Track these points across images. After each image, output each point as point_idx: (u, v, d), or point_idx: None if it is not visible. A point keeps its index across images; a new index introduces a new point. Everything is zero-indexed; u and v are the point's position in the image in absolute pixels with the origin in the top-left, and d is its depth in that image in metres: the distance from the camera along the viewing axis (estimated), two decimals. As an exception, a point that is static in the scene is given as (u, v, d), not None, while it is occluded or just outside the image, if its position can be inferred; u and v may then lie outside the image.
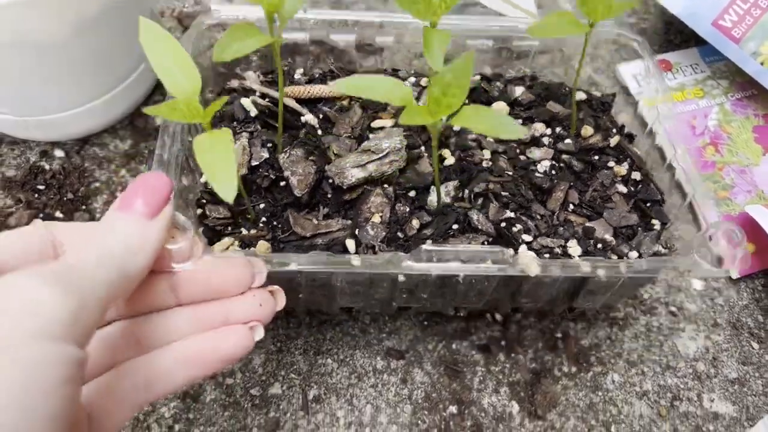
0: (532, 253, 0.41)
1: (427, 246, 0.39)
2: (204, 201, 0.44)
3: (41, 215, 0.54)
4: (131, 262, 0.30)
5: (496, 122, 0.35)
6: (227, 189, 0.32)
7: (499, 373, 0.49)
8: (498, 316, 0.52)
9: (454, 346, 0.50)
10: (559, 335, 0.51)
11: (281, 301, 0.38)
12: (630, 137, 0.52)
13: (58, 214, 0.54)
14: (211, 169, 0.33)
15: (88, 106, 0.53)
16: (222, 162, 0.33)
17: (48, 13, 0.45)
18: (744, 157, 0.58)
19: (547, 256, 0.42)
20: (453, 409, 0.47)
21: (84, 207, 0.55)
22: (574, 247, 0.43)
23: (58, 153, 0.57)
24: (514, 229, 0.44)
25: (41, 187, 0.55)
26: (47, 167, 0.57)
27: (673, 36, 0.60)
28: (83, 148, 0.58)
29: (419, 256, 0.38)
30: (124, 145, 0.58)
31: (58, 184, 0.56)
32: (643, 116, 0.52)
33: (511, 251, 0.39)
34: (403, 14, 0.45)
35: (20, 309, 0.25)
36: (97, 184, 0.56)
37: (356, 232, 0.43)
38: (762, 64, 0.57)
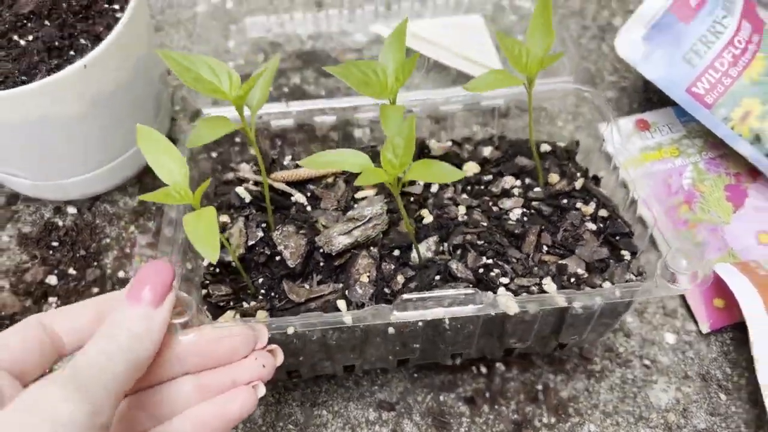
0: (509, 293, 0.45)
1: (407, 295, 0.43)
2: (207, 282, 0.48)
3: (56, 271, 0.57)
4: (139, 352, 0.34)
5: (438, 170, 0.41)
6: (210, 252, 0.37)
7: (483, 424, 0.53)
8: (483, 369, 0.56)
9: (441, 398, 0.54)
10: (539, 387, 0.55)
11: (280, 357, 0.42)
12: (596, 179, 0.56)
13: (71, 270, 0.58)
14: (197, 238, 0.38)
15: (99, 170, 0.57)
16: (206, 231, 0.38)
17: (69, 94, 0.49)
18: (716, 216, 0.62)
19: (524, 294, 0.46)
20: (440, 459, 0.51)
21: (96, 263, 0.58)
22: (549, 284, 0.46)
23: (71, 210, 0.61)
24: (492, 274, 0.47)
25: (55, 244, 0.59)
26: (60, 224, 0.60)
27: (652, 95, 0.64)
28: (94, 205, 0.62)
29: (403, 306, 0.42)
30: (133, 202, 0.62)
31: (71, 240, 0.59)
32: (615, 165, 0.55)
33: (489, 293, 0.43)
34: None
35: (43, 423, 0.28)
36: (108, 240, 0.60)
37: (346, 292, 0.47)
38: (732, 128, 0.60)
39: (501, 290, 0.46)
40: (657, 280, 0.44)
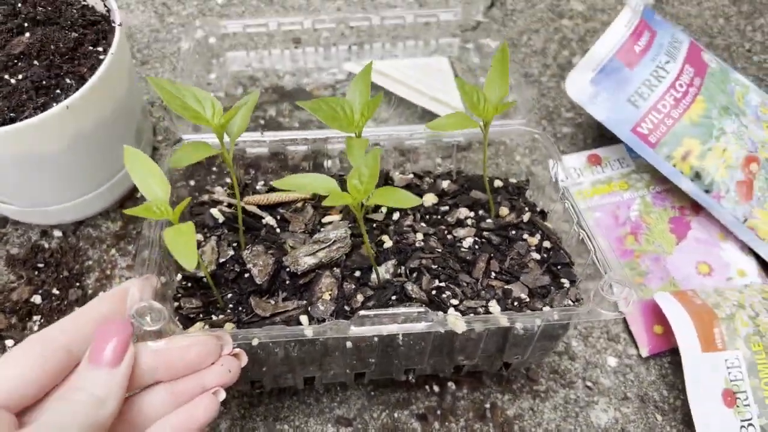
0: (458, 313, 0.49)
1: (364, 311, 0.47)
2: (180, 295, 0.52)
3: (40, 291, 0.62)
4: (101, 414, 0.37)
5: (398, 197, 0.47)
6: (189, 261, 0.41)
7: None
8: (436, 387, 0.60)
9: (396, 414, 0.58)
10: (487, 406, 0.59)
11: (244, 359, 0.46)
12: (543, 213, 0.60)
13: (55, 290, 0.62)
14: (176, 248, 0.42)
15: (82, 199, 0.61)
16: (185, 243, 0.42)
17: (53, 132, 0.53)
18: (659, 246, 0.66)
19: (471, 315, 0.50)
20: (393, 473, 0.55)
21: (78, 284, 0.63)
22: (494, 307, 0.51)
23: (57, 233, 0.65)
24: (444, 295, 0.52)
25: (41, 265, 0.63)
26: (46, 246, 0.64)
27: (605, 131, 0.68)
28: (78, 229, 0.66)
29: (360, 322, 0.47)
30: (115, 226, 0.66)
31: (55, 262, 0.63)
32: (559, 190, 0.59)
33: (440, 312, 0.48)
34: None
35: None
36: (90, 263, 0.64)
37: (309, 308, 0.51)
38: (674, 166, 0.65)
39: (450, 310, 0.50)
40: (591, 306, 0.48)
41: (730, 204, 0.64)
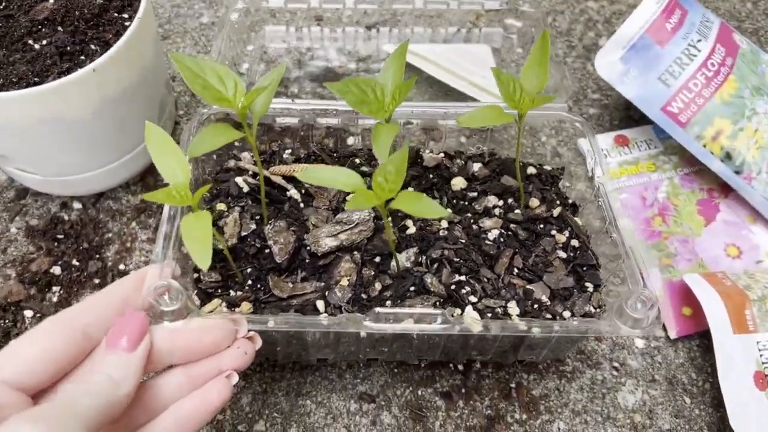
0: (475, 313, 0.48)
1: (380, 309, 0.46)
2: (198, 271, 0.51)
3: (60, 262, 0.61)
4: (116, 395, 0.37)
5: (423, 205, 0.43)
6: (203, 260, 0.41)
7: (458, 418, 0.56)
8: (460, 366, 0.59)
9: (419, 392, 0.57)
10: (513, 385, 0.58)
11: (258, 342, 0.46)
12: (574, 207, 0.59)
13: (74, 261, 0.61)
14: (192, 244, 0.41)
15: (105, 168, 0.61)
16: (201, 238, 0.42)
17: (78, 96, 0.52)
18: (687, 228, 0.65)
19: (489, 315, 0.49)
20: (415, 449, 0.54)
21: (98, 256, 0.62)
22: (513, 308, 0.50)
23: (77, 205, 0.64)
24: (463, 291, 0.50)
25: (60, 236, 0.62)
26: (66, 218, 0.64)
27: (633, 112, 0.67)
28: (99, 201, 0.65)
29: (376, 317, 0.46)
30: (135, 199, 0.65)
31: (75, 234, 0.63)
32: (594, 187, 0.58)
33: (457, 310, 0.47)
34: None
35: None
36: (110, 235, 0.63)
37: (326, 293, 0.50)
38: (704, 146, 0.64)
39: (468, 308, 0.49)
40: (611, 319, 0.47)
41: (761, 185, 0.63)
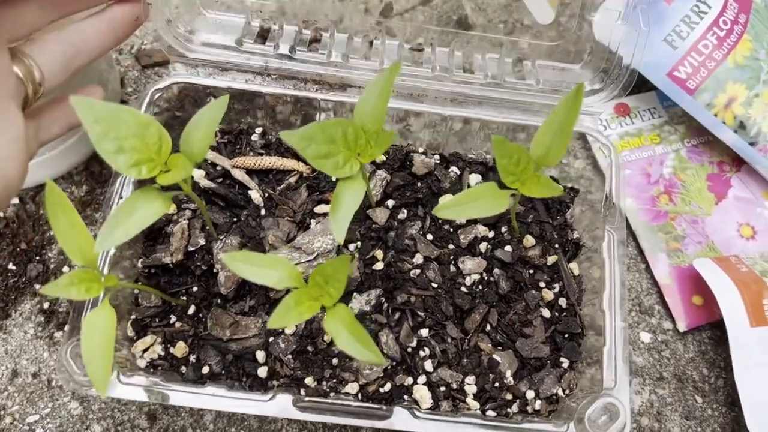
0: (425, 389, 0.43)
1: (310, 400, 0.41)
2: (138, 291, 0.46)
3: (-6, 267, 0.54)
4: None
5: (355, 347, 0.35)
6: (100, 385, 0.37)
7: None
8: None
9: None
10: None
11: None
12: (576, 246, 0.51)
13: (11, 265, 0.54)
14: (90, 362, 0.37)
15: (43, 157, 0.53)
16: (101, 355, 0.37)
17: None
18: (697, 207, 0.59)
19: (442, 390, 0.44)
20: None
21: (38, 258, 0.55)
22: (470, 384, 0.44)
23: (13, 200, 0.57)
24: (420, 354, 0.44)
25: (-5, 237, 0.55)
26: (1, 215, 0.56)
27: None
28: (39, 194, 0.58)
29: (305, 407, 0.40)
30: (80, 191, 0.58)
31: (11, 233, 0.55)
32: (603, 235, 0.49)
33: (399, 412, 0.41)
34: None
35: None
36: (51, 233, 0.56)
37: (269, 340, 0.44)
38: (716, 115, 0.57)
39: (420, 380, 0.44)
40: (570, 429, 0.41)
41: (778, 158, 0.57)
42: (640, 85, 0.62)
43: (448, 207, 0.40)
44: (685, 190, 0.59)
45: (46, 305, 0.53)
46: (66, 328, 0.42)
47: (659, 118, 0.63)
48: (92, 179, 0.59)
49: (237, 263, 0.37)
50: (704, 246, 0.57)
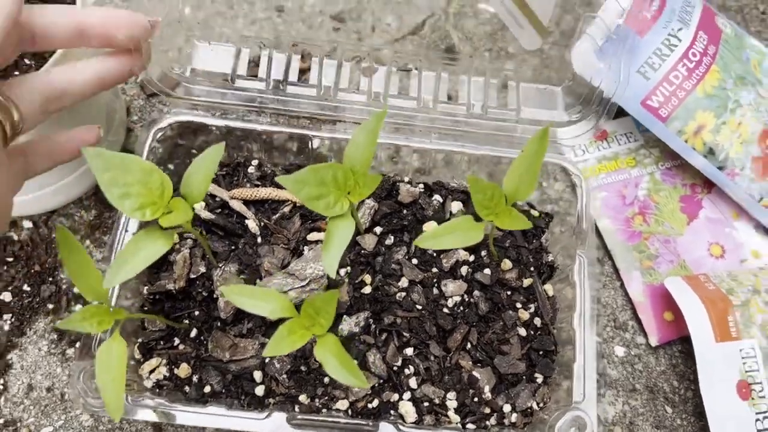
0: (409, 405, 0.47)
1: (303, 417, 0.45)
2: (145, 308, 0.49)
3: (10, 288, 0.58)
4: None
5: (339, 369, 0.40)
6: (114, 411, 0.39)
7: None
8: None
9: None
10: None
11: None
12: (551, 269, 0.55)
13: (25, 287, 0.58)
14: (104, 389, 0.40)
15: (52, 187, 0.57)
16: (113, 383, 0.40)
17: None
18: (669, 227, 0.62)
19: (425, 405, 0.47)
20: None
21: (51, 279, 0.58)
22: (451, 400, 0.48)
23: (27, 224, 0.61)
24: (405, 372, 0.48)
25: (10, 259, 0.59)
26: (16, 238, 0.60)
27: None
28: (50, 219, 0.61)
29: (299, 423, 0.44)
30: (89, 215, 0.62)
31: (26, 255, 0.59)
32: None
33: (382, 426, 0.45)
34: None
35: None
36: (63, 256, 0.60)
37: (265, 361, 0.48)
38: (686, 141, 0.61)
39: (405, 396, 0.47)
40: None
41: (745, 182, 0.60)
42: (617, 111, 0.66)
43: (428, 238, 0.44)
44: (659, 211, 0.63)
45: (58, 323, 0.57)
46: (76, 354, 0.45)
47: (635, 141, 0.66)
48: (101, 204, 0.62)
49: (234, 296, 0.41)
50: (676, 265, 0.61)
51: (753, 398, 0.53)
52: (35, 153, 0.42)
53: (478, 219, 0.44)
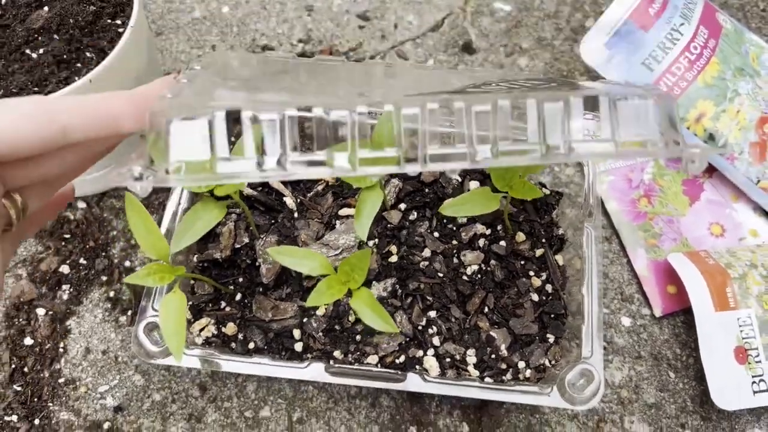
0: (433, 360, 0.51)
1: (340, 366, 0.50)
2: (198, 270, 0.55)
3: (68, 261, 0.63)
4: None
5: (373, 318, 0.45)
6: (176, 353, 0.44)
7: (452, 398, 0.59)
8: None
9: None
10: (505, 366, 0.61)
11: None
12: (561, 241, 0.59)
13: (82, 260, 0.64)
14: (168, 334, 0.44)
15: (107, 169, 0.63)
16: (174, 329, 0.44)
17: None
18: (673, 208, 0.67)
19: (447, 360, 0.52)
20: (413, 429, 0.57)
21: (104, 253, 0.64)
22: (471, 356, 0.52)
23: (81, 205, 0.67)
24: (429, 332, 0.53)
25: (67, 236, 0.65)
26: (72, 217, 0.66)
27: (619, 94, 0.69)
28: (102, 200, 0.67)
29: (335, 371, 0.49)
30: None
31: (81, 233, 0.65)
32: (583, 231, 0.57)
33: (413, 377, 0.50)
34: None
35: None
36: (114, 233, 0.66)
37: (304, 320, 0.53)
38: (688, 128, 0.65)
39: (429, 352, 0.52)
40: (554, 393, 0.49)
41: (743, 165, 0.65)
42: (624, 101, 0.71)
43: (450, 206, 0.49)
44: (663, 194, 0.68)
45: (111, 294, 0.63)
46: (138, 309, 0.51)
47: (641, 130, 0.71)
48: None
49: (281, 255, 0.46)
50: (678, 242, 0.65)
51: (750, 363, 0.57)
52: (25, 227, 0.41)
53: (495, 192, 0.50)
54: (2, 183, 0.35)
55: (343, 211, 0.58)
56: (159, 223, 0.55)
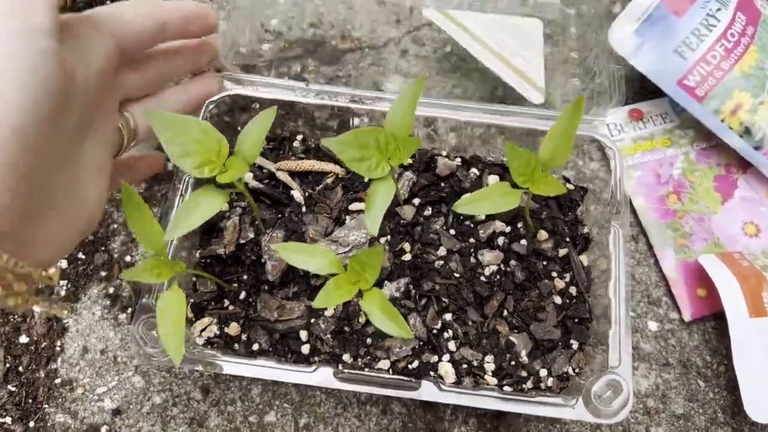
0: (449, 366, 0.48)
1: (349, 371, 0.46)
2: (201, 265, 0.51)
3: (66, 256, 0.61)
4: None
5: (385, 322, 0.42)
6: (175, 356, 0.41)
7: (468, 406, 0.55)
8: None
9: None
10: (524, 371, 0.57)
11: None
12: (586, 240, 0.56)
13: (80, 254, 0.61)
14: (165, 336, 0.42)
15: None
16: (173, 331, 0.42)
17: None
18: (704, 206, 0.63)
19: (464, 367, 0.49)
20: (426, 438, 0.54)
21: (103, 248, 0.61)
22: (489, 363, 0.49)
23: (80, 196, 0.64)
24: (444, 336, 0.50)
25: (65, 229, 0.62)
26: (71, 209, 0.63)
27: (648, 84, 0.65)
28: (102, 191, 0.64)
29: (344, 377, 0.46)
30: (139, 188, 0.65)
31: (80, 225, 0.62)
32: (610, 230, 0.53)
33: (428, 386, 0.46)
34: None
35: None
36: (115, 226, 0.63)
37: (311, 321, 0.50)
38: (722, 121, 0.61)
39: (445, 358, 0.49)
40: (578, 405, 0.46)
41: (781, 161, 0.61)
42: (653, 91, 0.67)
43: (466, 203, 0.46)
44: (693, 191, 0.64)
45: (110, 290, 0.60)
46: (136, 308, 0.48)
47: (671, 122, 0.67)
48: (150, 178, 0.65)
49: (287, 252, 0.43)
50: (710, 242, 0.61)
51: (786, 373, 0.54)
52: (118, 171, 0.47)
53: (515, 187, 0.46)
54: (122, 87, 0.43)
55: (354, 206, 0.54)
56: (161, 217, 0.52)
